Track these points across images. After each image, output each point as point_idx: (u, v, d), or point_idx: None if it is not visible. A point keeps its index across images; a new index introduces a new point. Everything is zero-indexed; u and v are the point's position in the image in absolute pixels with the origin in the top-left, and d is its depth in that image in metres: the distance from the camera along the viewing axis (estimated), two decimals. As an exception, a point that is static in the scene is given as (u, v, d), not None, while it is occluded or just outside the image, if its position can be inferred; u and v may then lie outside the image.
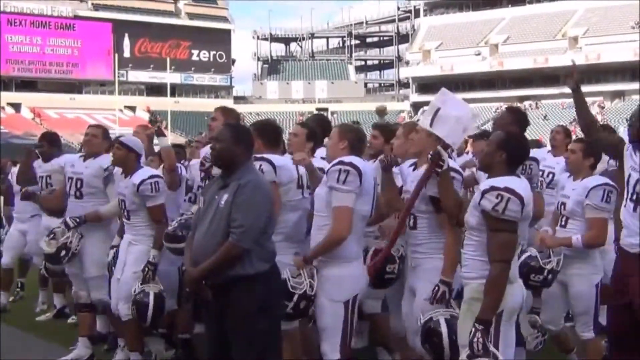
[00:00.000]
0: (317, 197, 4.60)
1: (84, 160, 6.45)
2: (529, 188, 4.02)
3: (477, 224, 3.92)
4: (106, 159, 6.34)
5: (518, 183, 3.92)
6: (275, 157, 4.97)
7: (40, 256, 8.08)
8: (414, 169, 4.71)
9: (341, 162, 4.43)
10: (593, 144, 5.11)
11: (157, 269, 5.78)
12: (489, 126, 55.69)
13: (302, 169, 5.08)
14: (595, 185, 5.11)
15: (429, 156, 4.39)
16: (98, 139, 6.48)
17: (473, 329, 3.74)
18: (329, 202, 4.45)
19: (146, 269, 5.73)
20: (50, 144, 7.26)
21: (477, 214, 3.90)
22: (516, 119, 5.47)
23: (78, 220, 6.17)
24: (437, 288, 4.26)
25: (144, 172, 5.91)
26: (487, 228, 3.86)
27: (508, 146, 4.02)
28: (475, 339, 3.72)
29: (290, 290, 4.42)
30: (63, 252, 6.20)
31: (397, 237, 4.67)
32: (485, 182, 3.99)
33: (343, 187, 4.37)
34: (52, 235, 6.23)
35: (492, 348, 3.72)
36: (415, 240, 4.58)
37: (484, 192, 3.85)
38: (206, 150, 5.86)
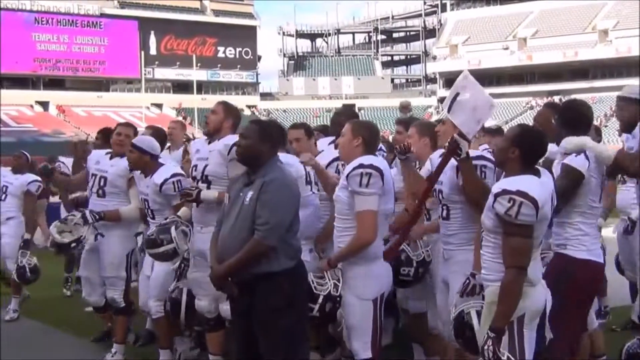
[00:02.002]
0: (338, 201, 4.52)
1: (110, 159, 6.34)
2: (548, 185, 3.85)
3: (493, 226, 3.76)
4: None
5: (533, 183, 3.71)
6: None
7: (12, 260, 8.05)
8: None
9: (361, 166, 4.34)
10: None
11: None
12: (520, 120, 55.43)
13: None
14: None
15: (447, 144, 4.31)
16: (130, 139, 6.28)
17: (485, 336, 3.63)
18: (351, 205, 4.39)
19: (182, 265, 5.65)
20: (105, 140, 7.00)
21: (492, 216, 3.74)
22: (556, 113, 5.50)
23: (97, 216, 6.10)
24: (467, 281, 4.15)
25: (166, 170, 5.81)
26: (502, 231, 3.71)
27: (522, 142, 3.83)
28: (486, 346, 3.60)
29: (314, 292, 4.38)
30: (74, 245, 6.19)
31: (414, 222, 4.62)
32: (497, 184, 3.81)
33: (367, 191, 4.30)
34: (64, 222, 6.16)
35: (504, 357, 3.59)
36: (448, 231, 4.56)
37: (496, 196, 3.68)
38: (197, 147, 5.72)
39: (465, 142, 4.24)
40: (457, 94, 4.33)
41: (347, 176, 4.36)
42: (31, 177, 8.42)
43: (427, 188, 4.48)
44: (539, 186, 3.72)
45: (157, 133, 6.66)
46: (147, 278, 6.03)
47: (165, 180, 5.71)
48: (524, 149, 3.81)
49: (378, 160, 4.47)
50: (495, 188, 3.73)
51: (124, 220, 6.26)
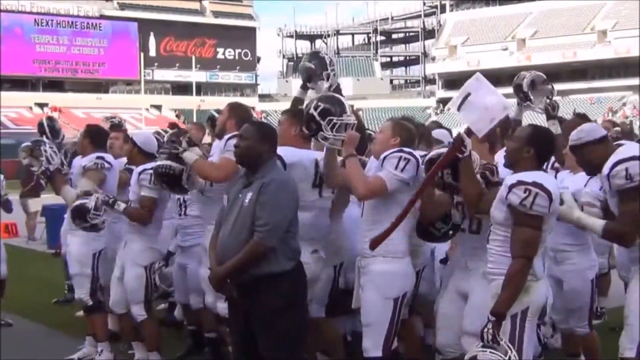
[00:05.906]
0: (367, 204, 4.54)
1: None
2: (556, 184, 3.96)
3: (504, 219, 3.85)
4: (86, 159, 6.17)
5: (546, 178, 3.85)
6: (290, 153, 4.78)
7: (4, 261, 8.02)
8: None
9: (402, 151, 4.41)
10: None
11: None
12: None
13: (322, 167, 4.85)
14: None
15: (451, 140, 4.41)
16: (80, 136, 6.36)
17: (486, 319, 3.70)
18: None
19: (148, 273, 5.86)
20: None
21: (504, 208, 3.82)
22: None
23: (49, 172, 6.03)
24: (487, 328, 3.81)
25: (151, 164, 5.79)
26: (512, 222, 3.79)
27: (536, 142, 3.94)
28: (486, 329, 3.67)
29: None
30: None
31: (403, 216, 4.40)
32: (512, 176, 3.89)
33: (399, 174, 4.34)
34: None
35: (503, 342, 3.64)
36: (476, 244, 4.36)
37: (511, 187, 3.77)
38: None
39: (469, 140, 4.22)
40: (468, 94, 4.25)
41: (384, 159, 4.38)
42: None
43: (425, 183, 4.32)
44: (552, 181, 3.89)
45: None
46: (117, 279, 5.99)
47: (144, 169, 5.75)
48: (538, 147, 3.92)
49: (415, 152, 4.52)
50: (510, 180, 3.82)
51: (61, 195, 6.16)
